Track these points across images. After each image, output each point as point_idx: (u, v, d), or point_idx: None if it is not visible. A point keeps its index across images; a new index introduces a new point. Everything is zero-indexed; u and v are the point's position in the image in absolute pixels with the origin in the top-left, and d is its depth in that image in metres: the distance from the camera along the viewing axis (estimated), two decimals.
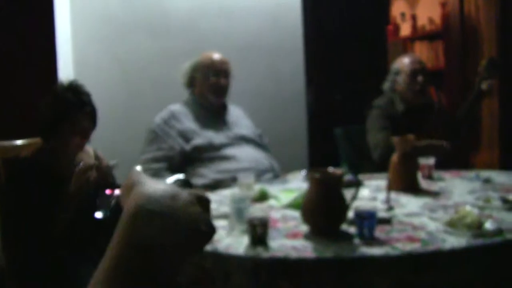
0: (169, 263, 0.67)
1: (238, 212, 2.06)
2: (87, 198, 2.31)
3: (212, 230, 0.71)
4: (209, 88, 3.33)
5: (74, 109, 2.39)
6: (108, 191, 0.86)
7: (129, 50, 4.42)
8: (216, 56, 3.41)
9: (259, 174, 2.96)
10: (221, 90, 3.37)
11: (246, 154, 3.18)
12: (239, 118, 3.46)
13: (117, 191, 0.84)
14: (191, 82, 3.40)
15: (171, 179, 0.85)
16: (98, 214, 0.87)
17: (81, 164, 2.37)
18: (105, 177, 2.38)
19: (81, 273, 2.20)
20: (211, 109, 3.36)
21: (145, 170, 3.10)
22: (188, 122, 3.25)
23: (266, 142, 3.50)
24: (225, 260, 1.78)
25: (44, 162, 2.40)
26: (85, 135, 2.45)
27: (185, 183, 0.85)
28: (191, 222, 0.69)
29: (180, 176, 0.87)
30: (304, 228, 2.01)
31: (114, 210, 0.81)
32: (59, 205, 2.29)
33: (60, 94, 2.40)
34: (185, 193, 0.71)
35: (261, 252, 1.77)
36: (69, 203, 2.30)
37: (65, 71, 3.93)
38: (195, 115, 3.31)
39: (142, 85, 4.45)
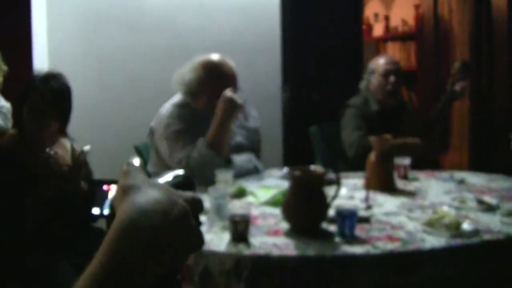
0: (150, 276, 0.66)
1: (218, 208, 2.06)
2: (62, 196, 2.27)
3: (201, 244, 0.71)
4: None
5: (31, 91, 2.34)
6: (105, 187, 0.84)
7: (104, 45, 4.38)
8: (226, 67, 2.99)
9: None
10: None
11: (239, 164, 2.99)
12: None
13: (113, 187, 0.82)
14: (194, 93, 2.97)
15: (170, 175, 0.83)
16: (95, 210, 0.85)
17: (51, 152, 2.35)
18: (80, 165, 2.35)
19: (62, 277, 2.15)
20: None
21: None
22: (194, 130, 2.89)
23: (258, 126, 3.33)
24: (206, 256, 1.78)
25: (18, 156, 2.34)
26: (42, 115, 2.34)
27: (184, 180, 0.83)
28: (180, 240, 0.68)
29: (180, 172, 0.85)
30: (284, 225, 2.01)
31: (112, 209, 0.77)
32: (32, 201, 2.24)
33: (29, 82, 2.36)
34: (179, 205, 0.69)
35: (242, 249, 1.78)
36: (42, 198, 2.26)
37: (40, 64, 3.87)
38: (196, 125, 2.91)
39: (117, 80, 4.41)
